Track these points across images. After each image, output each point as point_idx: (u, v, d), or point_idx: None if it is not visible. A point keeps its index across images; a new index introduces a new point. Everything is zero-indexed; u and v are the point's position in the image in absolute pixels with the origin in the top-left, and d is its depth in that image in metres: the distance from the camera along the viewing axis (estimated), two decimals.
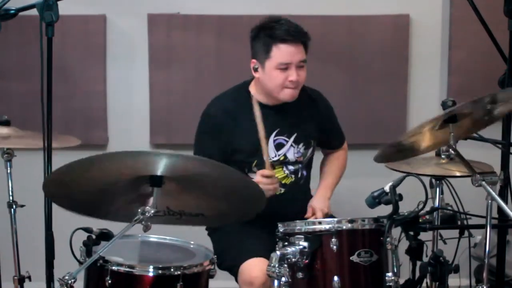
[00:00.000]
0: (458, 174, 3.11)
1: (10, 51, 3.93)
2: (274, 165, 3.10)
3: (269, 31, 3.02)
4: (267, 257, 2.59)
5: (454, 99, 3.17)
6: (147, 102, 4.04)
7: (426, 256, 2.76)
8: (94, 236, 2.60)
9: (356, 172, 3.75)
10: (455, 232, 3.29)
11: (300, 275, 2.59)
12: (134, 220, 2.39)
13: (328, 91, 3.40)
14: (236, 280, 3.00)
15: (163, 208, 2.49)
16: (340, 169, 3.36)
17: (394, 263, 2.60)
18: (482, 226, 2.67)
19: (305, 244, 2.59)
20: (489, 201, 2.58)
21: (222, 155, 3.03)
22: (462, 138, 2.85)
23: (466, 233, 3.30)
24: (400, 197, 2.61)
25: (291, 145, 3.14)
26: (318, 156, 3.37)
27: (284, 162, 3.14)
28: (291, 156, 3.14)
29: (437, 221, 3.16)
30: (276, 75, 3.02)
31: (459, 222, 3.23)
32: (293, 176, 3.18)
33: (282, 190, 3.13)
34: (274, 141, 3.12)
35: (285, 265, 2.53)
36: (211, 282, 2.75)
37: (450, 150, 2.62)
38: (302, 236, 2.60)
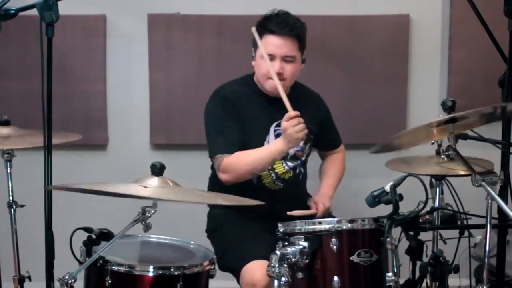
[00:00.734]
0: (462, 172, 3.07)
1: (10, 51, 3.92)
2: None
3: (264, 21, 3.09)
4: (269, 258, 2.58)
5: (454, 99, 3.19)
6: (147, 102, 4.03)
7: (426, 256, 2.76)
8: (94, 236, 2.59)
9: (356, 172, 3.75)
10: (455, 232, 3.29)
11: (300, 275, 2.58)
12: (134, 220, 2.39)
13: (328, 91, 3.40)
14: (238, 282, 2.98)
15: None
16: (340, 171, 3.38)
17: (394, 263, 2.60)
18: (482, 226, 2.68)
19: (305, 244, 2.59)
20: (489, 201, 2.58)
21: (242, 133, 3.05)
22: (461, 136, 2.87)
23: (466, 233, 3.30)
24: (401, 197, 2.60)
25: None
26: (315, 159, 3.38)
27: (283, 157, 3.14)
28: (290, 150, 3.15)
29: (437, 221, 3.16)
30: (261, 64, 3.06)
31: (459, 222, 3.23)
32: (292, 172, 3.19)
33: (281, 186, 3.16)
34: (275, 131, 3.13)
35: (285, 265, 2.52)
36: (211, 282, 2.74)
37: (450, 150, 2.62)
38: (302, 236, 2.60)
